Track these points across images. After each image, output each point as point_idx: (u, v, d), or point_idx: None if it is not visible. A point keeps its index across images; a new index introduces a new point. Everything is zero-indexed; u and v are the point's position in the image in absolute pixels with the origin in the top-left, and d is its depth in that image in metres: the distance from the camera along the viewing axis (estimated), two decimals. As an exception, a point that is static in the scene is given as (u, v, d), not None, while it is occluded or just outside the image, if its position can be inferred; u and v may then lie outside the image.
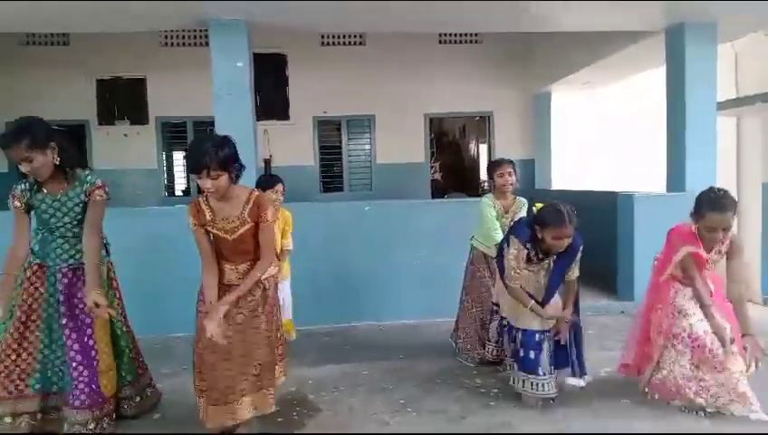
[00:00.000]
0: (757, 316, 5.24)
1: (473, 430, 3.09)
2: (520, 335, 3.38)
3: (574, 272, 3.35)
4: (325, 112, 8.95)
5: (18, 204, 2.88)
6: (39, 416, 2.89)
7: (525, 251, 3.24)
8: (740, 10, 5.17)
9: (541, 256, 3.29)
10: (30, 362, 2.87)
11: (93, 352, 2.91)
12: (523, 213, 3.88)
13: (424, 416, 3.26)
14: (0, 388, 2.82)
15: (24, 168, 2.76)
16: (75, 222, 2.92)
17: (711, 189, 3.10)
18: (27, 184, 2.89)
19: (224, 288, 2.82)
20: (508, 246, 3.32)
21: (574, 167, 9.40)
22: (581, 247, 3.29)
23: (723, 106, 5.88)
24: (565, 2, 5.05)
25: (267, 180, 4.05)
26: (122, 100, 8.49)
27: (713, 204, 3.00)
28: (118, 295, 3.18)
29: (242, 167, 2.79)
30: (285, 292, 4.08)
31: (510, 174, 3.97)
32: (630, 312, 5.32)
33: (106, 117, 8.50)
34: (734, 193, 3.28)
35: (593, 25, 5.90)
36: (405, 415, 3.27)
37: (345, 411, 3.34)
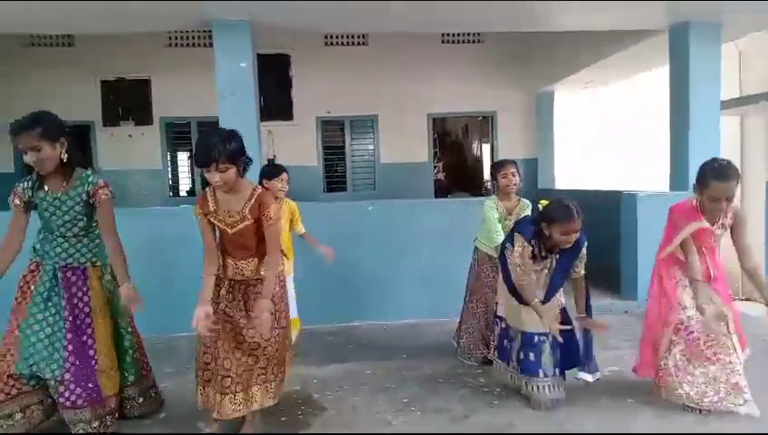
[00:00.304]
0: (761, 316, 5.28)
1: (476, 429, 3.09)
2: (519, 338, 3.37)
3: (580, 270, 3.34)
4: (329, 112, 8.97)
5: (18, 202, 2.89)
6: (49, 401, 2.91)
7: (530, 248, 3.24)
8: (744, 9, 5.16)
9: (544, 253, 3.28)
10: (19, 359, 2.82)
11: (92, 352, 2.90)
12: (527, 214, 3.89)
13: (427, 415, 3.27)
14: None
15: (29, 157, 2.76)
16: (75, 221, 2.91)
17: (714, 160, 3.07)
18: (29, 182, 2.90)
19: (228, 282, 2.87)
20: (512, 244, 3.32)
21: (577, 166, 9.39)
22: (585, 245, 3.29)
23: (726, 105, 5.89)
24: (568, 1, 5.05)
25: (272, 170, 4.08)
26: (127, 100, 8.53)
27: (717, 173, 2.96)
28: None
29: (249, 160, 2.83)
30: (288, 289, 4.06)
31: (513, 174, 3.98)
32: (634, 311, 5.33)
33: (111, 118, 8.54)
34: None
35: (596, 25, 5.90)
36: (408, 414, 3.28)
37: (349, 411, 3.35)
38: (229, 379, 2.76)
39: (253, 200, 2.79)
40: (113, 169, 8.21)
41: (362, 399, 3.51)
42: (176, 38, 8.50)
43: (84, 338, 2.89)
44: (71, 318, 2.87)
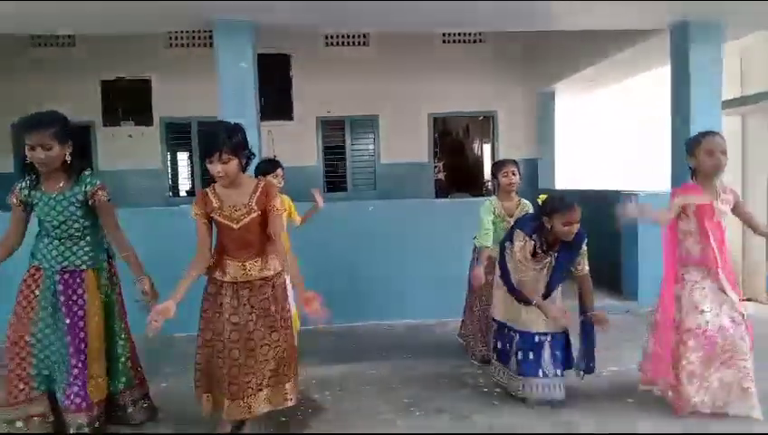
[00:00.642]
0: (762, 315, 5.26)
1: (478, 430, 3.09)
2: (517, 338, 3.35)
3: (584, 267, 3.33)
4: (329, 112, 8.96)
5: (15, 200, 2.91)
6: (51, 417, 2.90)
7: (532, 243, 3.24)
8: (745, 9, 5.15)
9: (545, 247, 3.27)
10: (32, 363, 2.86)
11: (83, 356, 2.89)
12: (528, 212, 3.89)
13: (429, 415, 3.26)
14: (8, 395, 2.83)
15: (37, 153, 2.76)
16: (70, 222, 2.90)
17: (698, 132, 3.29)
18: (27, 182, 2.90)
19: (223, 285, 2.84)
20: (511, 242, 3.32)
21: (578, 166, 9.39)
22: (585, 241, 3.28)
23: (727, 105, 5.87)
24: (569, 1, 5.04)
25: (267, 166, 4.08)
26: (127, 101, 8.52)
27: (705, 133, 3.21)
28: (120, 301, 3.16)
29: (252, 155, 2.87)
30: (288, 285, 4.03)
31: (514, 173, 4.01)
32: (635, 311, 5.32)
33: (111, 118, 8.53)
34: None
35: (597, 24, 5.89)
36: (409, 414, 3.28)
37: (349, 411, 3.34)
38: (236, 386, 2.76)
39: (259, 192, 2.82)
40: (113, 169, 8.21)
41: (363, 399, 3.51)
42: (176, 38, 8.50)
43: (77, 342, 2.88)
44: (68, 322, 2.87)
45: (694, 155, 3.18)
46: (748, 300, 6.15)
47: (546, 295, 3.32)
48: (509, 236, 3.42)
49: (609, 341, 4.43)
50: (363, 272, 5.25)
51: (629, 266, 5.68)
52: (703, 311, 3.11)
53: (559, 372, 3.31)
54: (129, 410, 3.14)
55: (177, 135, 8.80)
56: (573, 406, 3.29)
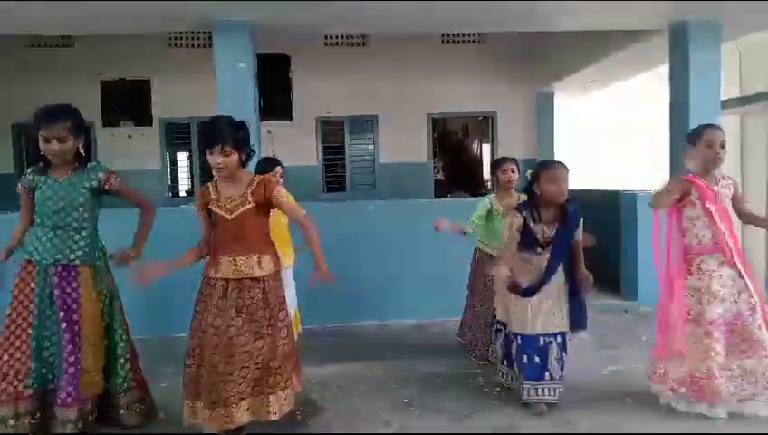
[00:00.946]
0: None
1: (477, 430, 3.09)
2: (519, 341, 3.29)
3: (578, 236, 3.28)
4: (328, 113, 8.97)
5: (21, 188, 2.98)
6: (38, 415, 2.86)
7: (521, 219, 3.23)
8: (744, 9, 5.16)
9: (538, 217, 3.22)
10: (25, 361, 2.84)
11: (77, 351, 2.86)
12: None
13: (427, 415, 3.26)
14: (1, 391, 2.81)
15: (52, 145, 2.81)
16: (69, 210, 2.88)
17: (700, 124, 3.38)
18: (35, 168, 2.96)
19: (215, 284, 2.80)
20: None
21: (577, 166, 9.35)
22: (581, 219, 3.26)
23: (727, 105, 5.88)
24: (568, 2, 5.05)
25: (266, 164, 4.06)
26: (127, 101, 8.53)
27: (706, 125, 3.32)
28: (119, 303, 3.15)
29: (253, 151, 2.89)
30: (288, 280, 3.98)
31: (513, 171, 4.06)
32: (635, 311, 5.33)
33: (110, 118, 8.54)
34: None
35: (596, 24, 5.90)
36: (408, 414, 3.28)
37: (349, 411, 3.34)
38: (216, 393, 2.66)
39: (255, 184, 2.82)
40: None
41: (362, 399, 3.51)
42: (176, 39, 8.51)
43: (71, 335, 2.85)
44: (62, 314, 2.84)
45: (695, 141, 3.25)
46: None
47: (546, 278, 3.22)
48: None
49: (608, 341, 4.45)
50: (363, 272, 5.23)
51: (629, 266, 5.69)
52: (723, 299, 3.11)
53: (563, 375, 3.26)
54: (122, 411, 3.09)
55: (176, 136, 8.82)
56: (574, 406, 3.28)
